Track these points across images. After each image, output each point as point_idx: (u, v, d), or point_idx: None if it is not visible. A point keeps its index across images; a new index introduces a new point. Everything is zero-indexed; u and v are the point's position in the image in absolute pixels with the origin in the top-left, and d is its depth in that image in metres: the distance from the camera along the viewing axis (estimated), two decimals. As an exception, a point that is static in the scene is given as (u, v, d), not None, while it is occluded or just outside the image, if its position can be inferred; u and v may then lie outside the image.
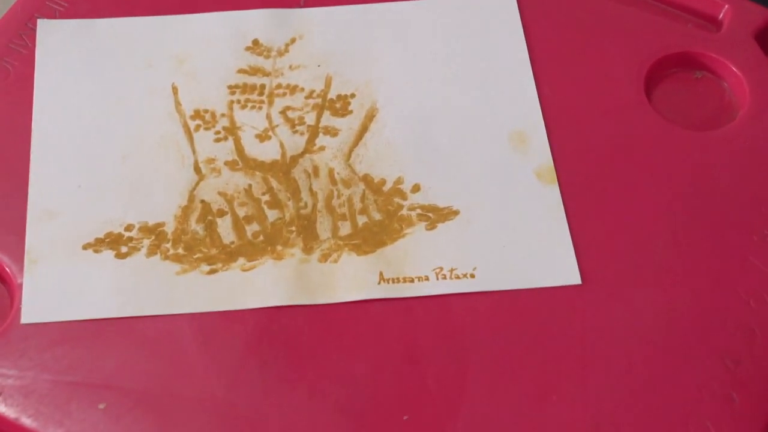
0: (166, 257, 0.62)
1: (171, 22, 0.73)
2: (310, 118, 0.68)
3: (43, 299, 0.60)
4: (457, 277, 0.61)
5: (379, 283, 0.61)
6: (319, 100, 0.69)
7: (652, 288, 0.60)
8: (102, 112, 0.68)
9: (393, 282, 0.61)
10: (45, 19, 0.72)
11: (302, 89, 0.70)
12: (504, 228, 0.63)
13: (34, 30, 0.71)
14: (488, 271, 0.61)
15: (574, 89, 0.69)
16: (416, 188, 0.65)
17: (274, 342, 0.59)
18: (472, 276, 0.61)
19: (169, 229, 0.63)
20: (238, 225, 0.64)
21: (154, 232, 0.63)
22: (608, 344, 0.58)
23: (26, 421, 0.57)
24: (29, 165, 0.65)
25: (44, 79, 0.70)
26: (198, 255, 0.62)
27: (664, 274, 0.61)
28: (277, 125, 0.68)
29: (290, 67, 0.71)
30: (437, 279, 0.61)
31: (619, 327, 0.59)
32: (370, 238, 0.63)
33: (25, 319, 0.60)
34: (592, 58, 0.70)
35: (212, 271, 0.62)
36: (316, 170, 0.66)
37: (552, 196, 0.64)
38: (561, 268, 0.62)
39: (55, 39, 0.71)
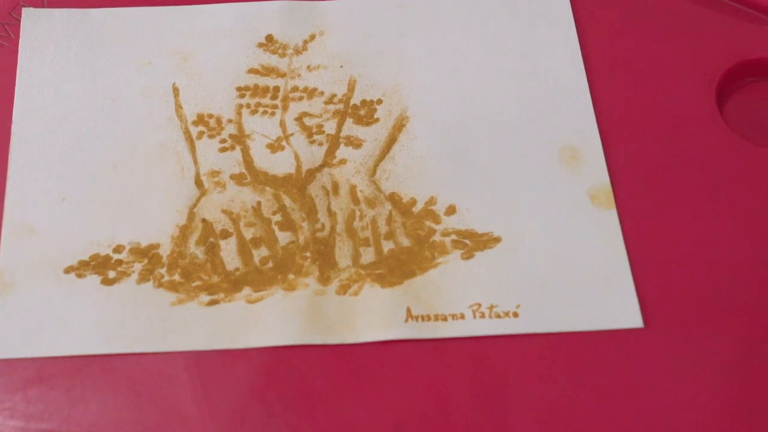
0: (160, 285, 0.60)
1: (173, 13, 0.71)
2: (329, 127, 0.66)
3: (16, 330, 0.58)
4: (498, 316, 0.58)
5: (406, 320, 0.58)
6: (341, 106, 0.67)
7: (725, 332, 0.58)
8: (92, 115, 0.66)
9: (422, 320, 0.58)
10: (31, 8, 0.71)
11: (322, 93, 0.67)
12: (552, 259, 0.60)
13: (18, 20, 0.70)
14: (533, 310, 0.58)
15: (635, 99, 0.67)
16: (451, 210, 0.62)
17: (283, 388, 0.56)
18: (515, 315, 0.58)
19: (165, 251, 0.61)
20: (244, 249, 0.61)
21: (147, 255, 0.61)
22: (673, 397, 0.56)
23: (-10, 476, 0.54)
24: (6, 173, 0.64)
25: (27, 75, 0.68)
26: (197, 283, 0.60)
27: (739, 316, 0.59)
28: (292, 134, 0.66)
29: (308, 67, 0.69)
30: (474, 317, 0.58)
31: (687, 377, 0.57)
32: (397, 268, 0.60)
33: None
34: (655, 64, 0.68)
35: (213, 303, 0.59)
36: (335, 187, 0.63)
37: (609, 222, 0.61)
38: (619, 308, 0.58)
39: (42, 30, 0.70)
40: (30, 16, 0.70)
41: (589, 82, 0.67)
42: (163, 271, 0.60)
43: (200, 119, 0.66)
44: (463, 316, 0.58)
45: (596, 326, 0.58)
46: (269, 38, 0.70)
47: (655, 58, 0.68)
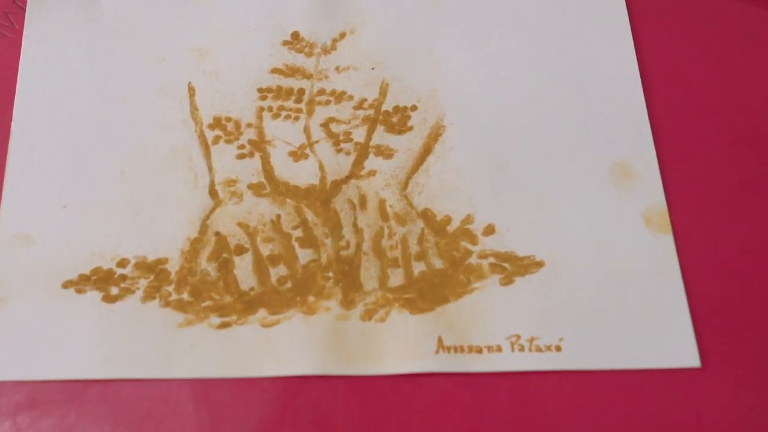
0: (167, 304, 0.58)
1: (191, 6, 0.70)
2: (358, 134, 0.65)
3: (7, 350, 0.57)
4: (539, 349, 0.57)
5: (437, 351, 0.56)
6: (372, 112, 0.66)
7: (791, 375, 0.56)
8: (100, 115, 0.65)
9: (455, 351, 0.56)
10: (37, -3, 0.70)
11: (351, 97, 0.66)
12: (600, 288, 0.58)
13: (22, 9, 0.70)
14: (578, 344, 0.57)
15: (695, 112, 0.65)
16: (489, 230, 0.61)
17: (299, 422, 0.55)
18: (558, 349, 0.57)
19: (173, 267, 0.60)
20: (260, 266, 0.60)
21: (154, 270, 0.59)
22: None
23: None
24: (3, 176, 0.63)
25: (31, 69, 0.67)
26: (207, 303, 0.58)
27: (806, 356, 0.57)
28: (317, 141, 0.64)
29: (337, 68, 0.68)
30: (512, 350, 0.57)
31: (747, 422, 0.55)
32: (429, 292, 0.58)
33: None
34: (717, 75, 0.67)
35: (224, 325, 0.58)
36: (363, 200, 0.62)
37: (664, 248, 0.60)
38: (674, 345, 0.57)
39: (48, 22, 0.69)
40: (36, 6, 0.69)
41: (645, 92, 0.66)
42: (170, 288, 0.59)
43: (217, 122, 0.65)
44: (500, 349, 0.57)
45: (647, 364, 0.56)
46: (295, 35, 0.69)
47: (717, 69, 0.67)
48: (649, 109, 0.65)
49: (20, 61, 0.67)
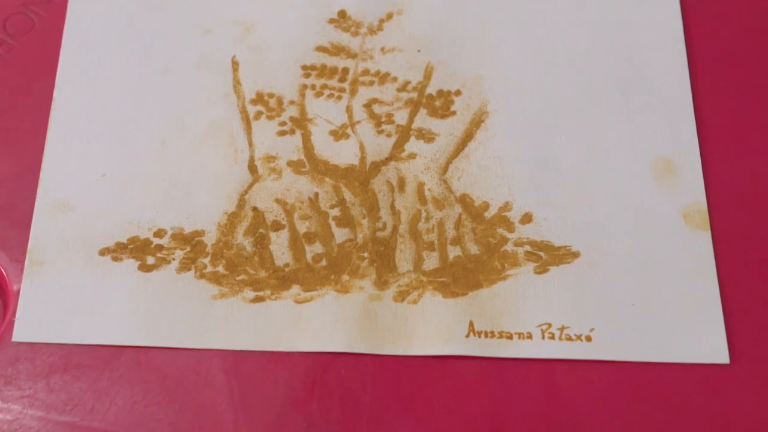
0: (202, 276, 0.61)
1: None
2: (400, 117, 0.67)
3: (43, 313, 0.60)
4: (569, 339, 0.59)
5: (467, 335, 0.59)
6: (415, 95, 0.68)
7: (821, 378, 0.58)
8: (142, 85, 0.68)
9: (486, 336, 0.59)
10: (84, -37, 0.72)
11: (395, 79, 0.69)
12: (634, 280, 0.61)
13: None
14: (609, 335, 0.59)
15: (743, 111, 0.67)
16: (527, 218, 0.63)
17: (326, 398, 0.58)
18: (588, 339, 0.59)
19: (210, 240, 0.62)
20: (296, 243, 0.62)
21: (191, 242, 0.62)
22: None
23: (4, 467, 0.56)
24: (44, 140, 0.65)
25: (74, 36, 0.70)
26: (242, 277, 0.61)
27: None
28: (359, 121, 0.67)
29: (382, 49, 0.70)
30: (543, 338, 0.59)
31: None
32: (462, 277, 0.61)
33: (17, 336, 0.60)
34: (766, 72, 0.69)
35: (258, 299, 0.61)
36: (401, 183, 0.65)
37: (702, 245, 0.62)
38: (704, 341, 0.59)
39: None
40: (82, -28, 0.71)
41: (693, 89, 0.68)
42: (206, 261, 0.62)
43: (259, 98, 0.67)
44: (530, 336, 0.59)
45: (677, 358, 0.59)
46: (342, 14, 0.71)
47: (766, 65, 0.69)
48: (696, 106, 0.67)
49: (64, 28, 0.69)
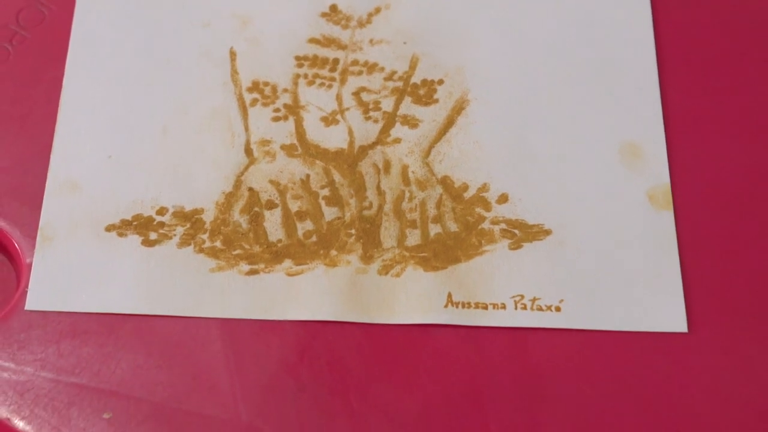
0: (201, 250, 0.64)
1: None
2: (387, 104, 0.70)
3: (54, 284, 0.63)
4: (540, 309, 0.62)
5: (446, 306, 0.62)
6: (401, 84, 0.70)
7: (773, 346, 0.61)
8: (145, 73, 0.70)
9: (463, 306, 0.62)
10: (92, -41, 0.75)
11: (382, 69, 0.71)
12: (602, 256, 0.64)
13: None
14: (577, 306, 0.62)
15: (708, 97, 0.69)
16: (503, 198, 0.66)
17: (315, 363, 0.60)
18: (558, 309, 0.62)
19: (208, 217, 0.65)
20: (288, 221, 0.65)
21: (190, 219, 0.65)
22: (714, 407, 0.59)
23: (18, 423, 0.59)
24: (55, 126, 0.68)
25: (83, 26, 0.72)
26: (238, 251, 0.64)
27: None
28: (348, 108, 0.69)
29: (371, 41, 0.72)
30: (515, 308, 0.62)
31: (729, 387, 0.59)
32: (442, 253, 0.64)
33: (30, 305, 0.62)
34: (734, 62, 0.70)
35: (252, 272, 0.63)
36: (387, 165, 0.67)
37: (664, 223, 0.65)
38: (664, 312, 0.62)
39: None
40: (91, -33, 0.74)
41: (660, 76, 0.70)
42: (205, 236, 0.64)
43: (255, 86, 0.70)
44: (504, 306, 0.62)
45: (639, 327, 0.61)
46: (333, 8, 0.73)
47: (734, 56, 0.71)
48: (663, 92, 0.68)
49: (73, 21, 0.72)
